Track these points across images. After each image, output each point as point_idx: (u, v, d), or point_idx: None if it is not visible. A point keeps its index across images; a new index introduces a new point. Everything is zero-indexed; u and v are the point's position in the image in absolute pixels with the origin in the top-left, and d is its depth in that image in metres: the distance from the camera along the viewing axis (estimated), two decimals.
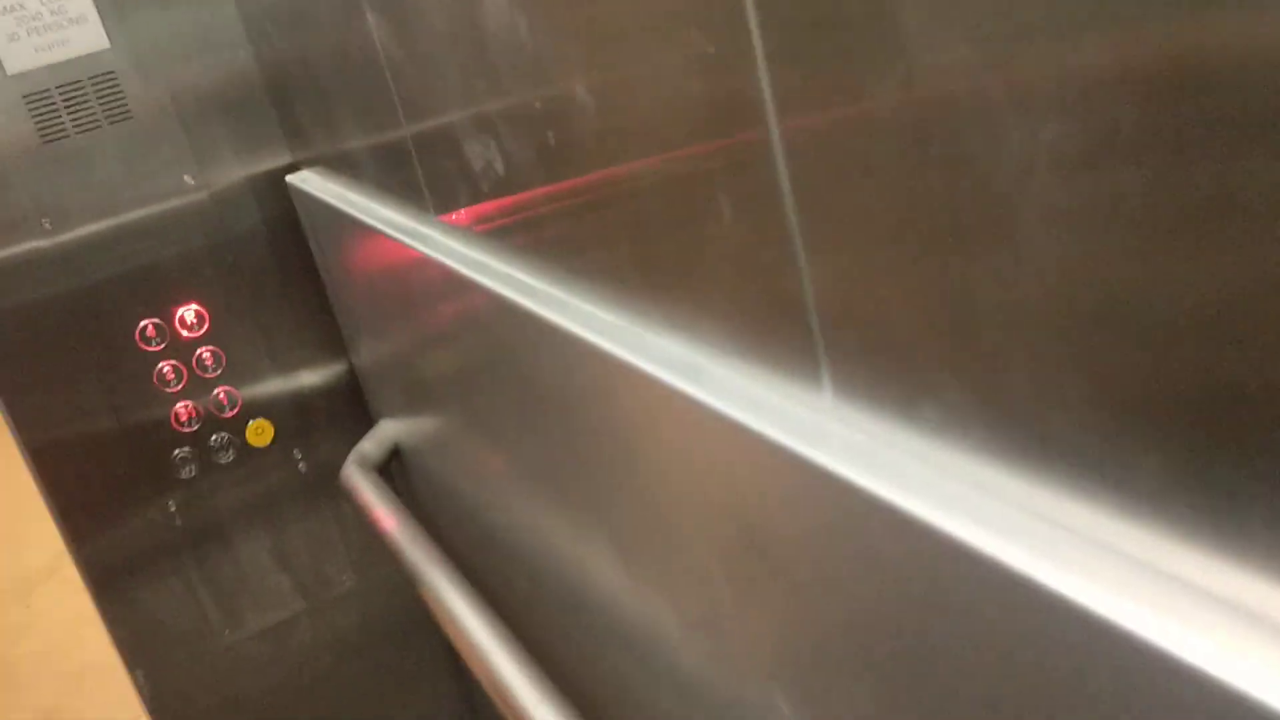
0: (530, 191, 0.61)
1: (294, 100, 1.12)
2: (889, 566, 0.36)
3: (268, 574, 1.30)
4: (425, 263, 0.80)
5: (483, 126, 0.64)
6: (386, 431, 1.19)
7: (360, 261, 1.03)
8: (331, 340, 1.28)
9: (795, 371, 0.42)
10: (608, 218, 0.53)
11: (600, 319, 0.57)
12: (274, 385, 1.26)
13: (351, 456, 1.14)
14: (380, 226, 0.90)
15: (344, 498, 1.28)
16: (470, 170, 0.68)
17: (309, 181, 1.13)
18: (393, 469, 1.17)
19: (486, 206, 0.69)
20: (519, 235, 0.66)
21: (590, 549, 0.69)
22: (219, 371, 1.23)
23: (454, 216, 0.76)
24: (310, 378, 1.29)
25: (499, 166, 0.64)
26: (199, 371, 1.22)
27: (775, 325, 0.42)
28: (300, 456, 1.29)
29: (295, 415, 1.28)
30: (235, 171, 1.20)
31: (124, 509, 1.21)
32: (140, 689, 1.26)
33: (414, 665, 1.44)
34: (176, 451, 1.22)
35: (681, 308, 0.49)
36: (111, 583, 1.22)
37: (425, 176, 0.78)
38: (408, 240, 0.83)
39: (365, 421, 1.32)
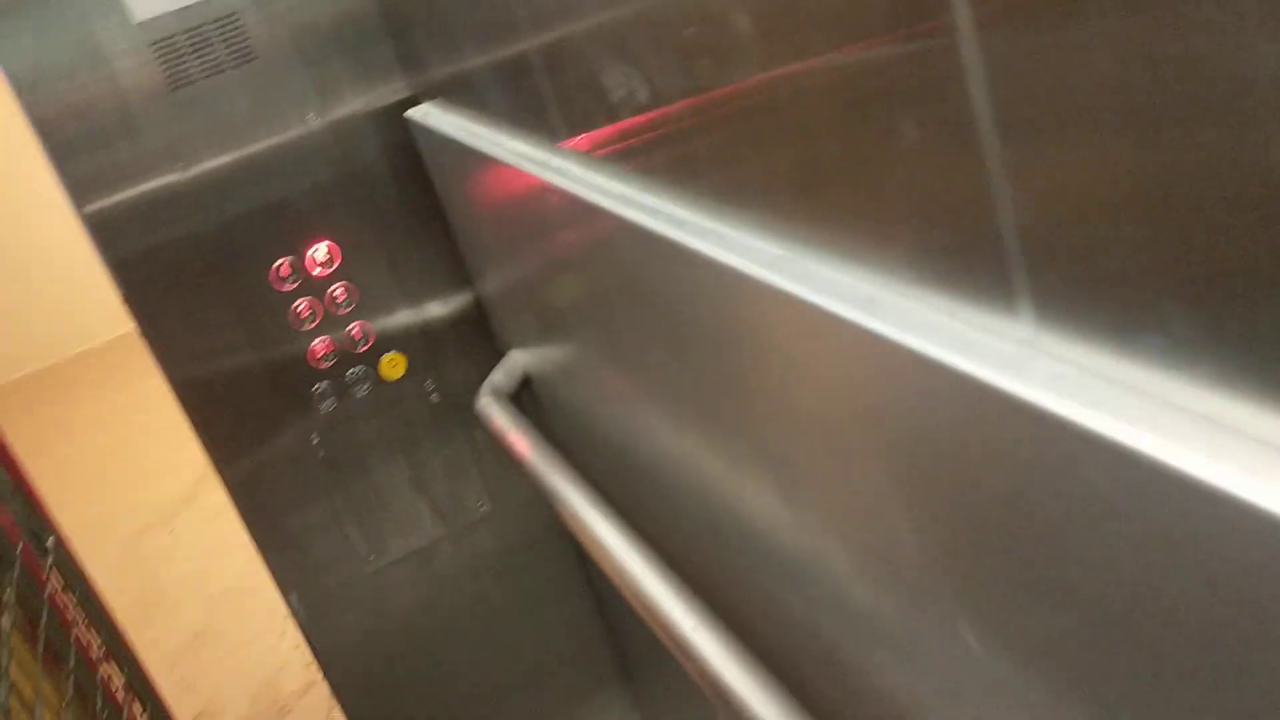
0: (674, 109, 0.60)
1: (412, 31, 1.12)
2: (1107, 503, 0.35)
3: (407, 502, 1.34)
4: (555, 191, 0.80)
5: (622, 40, 0.62)
6: (516, 361, 1.20)
7: (486, 193, 1.03)
8: (457, 273, 1.30)
9: (987, 299, 0.40)
10: (766, 136, 0.52)
11: (757, 248, 0.55)
12: (405, 319, 1.29)
13: (485, 388, 1.15)
14: (507, 156, 0.89)
15: (477, 426, 1.31)
16: (607, 91, 0.67)
17: (430, 115, 1.13)
18: (524, 398, 1.18)
19: (624, 127, 0.68)
20: (660, 159, 0.64)
21: (741, 479, 0.69)
22: (351, 307, 1.25)
23: (588, 142, 0.75)
24: (439, 310, 1.30)
25: (640, 84, 0.62)
26: (332, 308, 1.24)
27: (964, 248, 0.40)
28: (432, 388, 1.32)
29: (426, 347, 1.30)
30: (356, 107, 1.21)
31: (269, 441, 1.25)
32: (294, 611, 1.32)
33: (549, 585, 1.47)
34: (315, 386, 1.26)
35: (852, 233, 0.47)
36: (262, 512, 1.27)
37: (557, 101, 0.77)
38: (536, 169, 0.83)
39: (493, 352, 1.34)
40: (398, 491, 1.33)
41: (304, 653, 2.60)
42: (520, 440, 1.05)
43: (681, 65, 0.57)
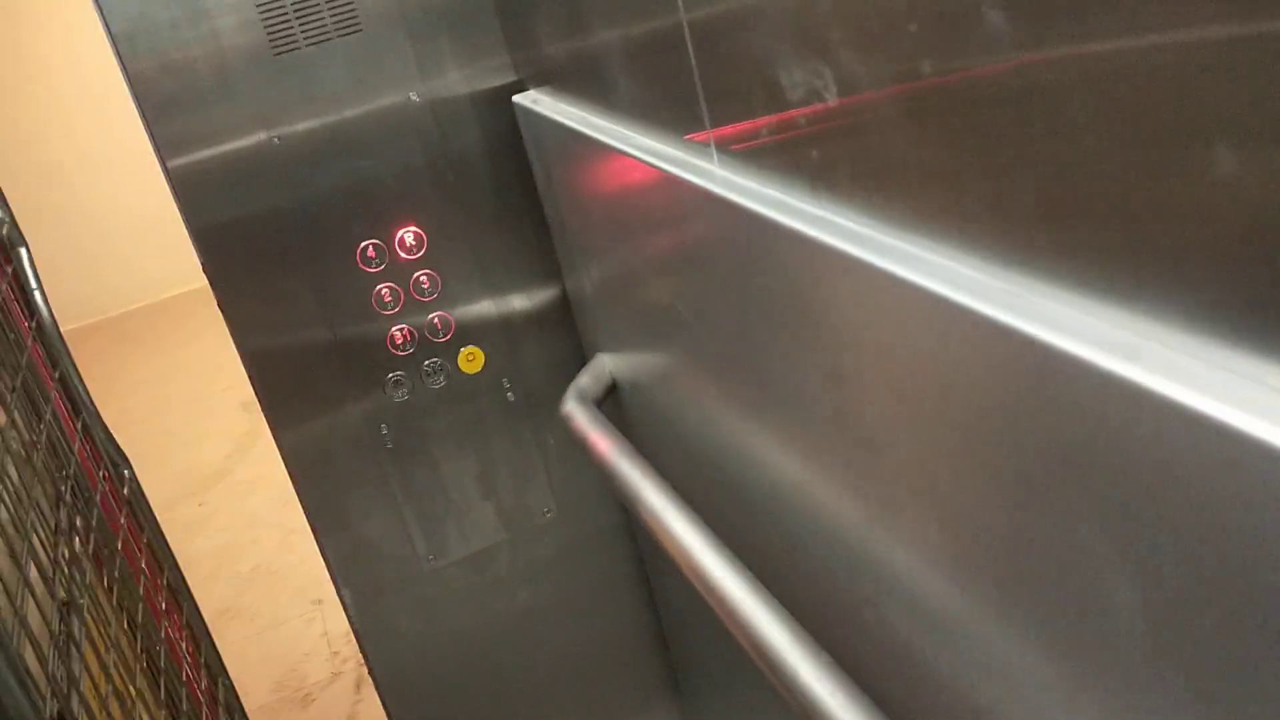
0: (839, 104, 0.54)
1: (523, 13, 1.07)
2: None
3: (473, 502, 1.29)
4: (678, 185, 0.75)
5: (783, 25, 0.57)
6: (604, 365, 1.15)
7: (594, 184, 0.98)
8: (547, 269, 1.25)
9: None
10: (935, 137, 0.46)
11: (911, 254, 0.50)
12: (487, 312, 1.24)
13: (571, 390, 1.10)
14: (625, 147, 0.84)
15: (550, 430, 1.26)
16: (771, 82, 0.62)
17: (540, 102, 1.08)
18: (608, 404, 1.13)
19: (770, 122, 0.63)
20: (809, 157, 0.59)
21: (848, 506, 0.64)
22: (435, 295, 1.21)
23: (723, 135, 0.70)
24: (523, 306, 1.26)
25: (805, 75, 0.57)
26: (415, 295, 1.20)
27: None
28: (509, 385, 1.27)
29: (506, 344, 1.26)
30: (459, 88, 1.16)
31: (337, 425, 1.21)
32: (347, 607, 1.27)
33: (607, 596, 1.42)
34: (391, 374, 1.21)
35: (1101, 260, 0.42)
36: (323, 498, 1.22)
37: (703, 92, 0.72)
38: (659, 162, 0.78)
39: (576, 355, 1.29)
40: (463, 490, 1.28)
41: (331, 642, 2.56)
42: (604, 444, 1.00)
43: (867, 55, 0.51)
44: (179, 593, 1.56)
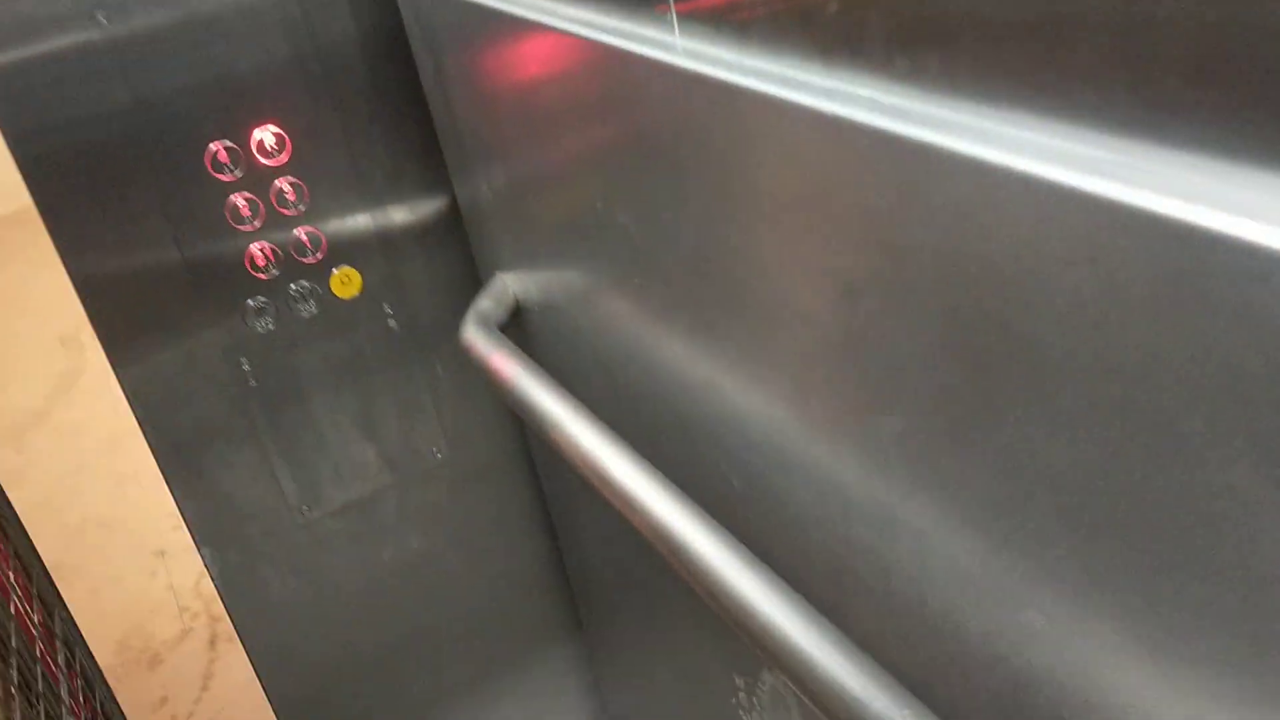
0: None
1: None
2: None
3: (351, 444, 1.15)
4: (625, 63, 0.63)
5: None
6: (507, 286, 1.02)
7: (497, 73, 0.84)
8: (434, 177, 1.10)
9: None
10: None
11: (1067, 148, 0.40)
12: (363, 227, 1.08)
13: (471, 315, 0.97)
14: (557, 22, 0.71)
15: (438, 361, 1.13)
16: None
17: None
18: (510, 332, 1.00)
19: None
20: (819, 12, 0.48)
21: (778, 408, 0.55)
22: (301, 209, 1.04)
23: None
24: (405, 220, 1.11)
25: None
26: (278, 207, 1.03)
27: None
28: (391, 311, 1.12)
29: (386, 264, 1.11)
30: None
31: (190, 361, 1.04)
32: (209, 567, 1.12)
33: (503, 537, 1.31)
34: (251, 300, 1.05)
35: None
36: (175, 446, 1.06)
37: None
38: (610, 39, 0.65)
39: (469, 276, 1.15)
40: (340, 432, 1.14)
41: (178, 595, 2.37)
42: (511, 370, 0.87)
43: None
44: (25, 559, 1.37)
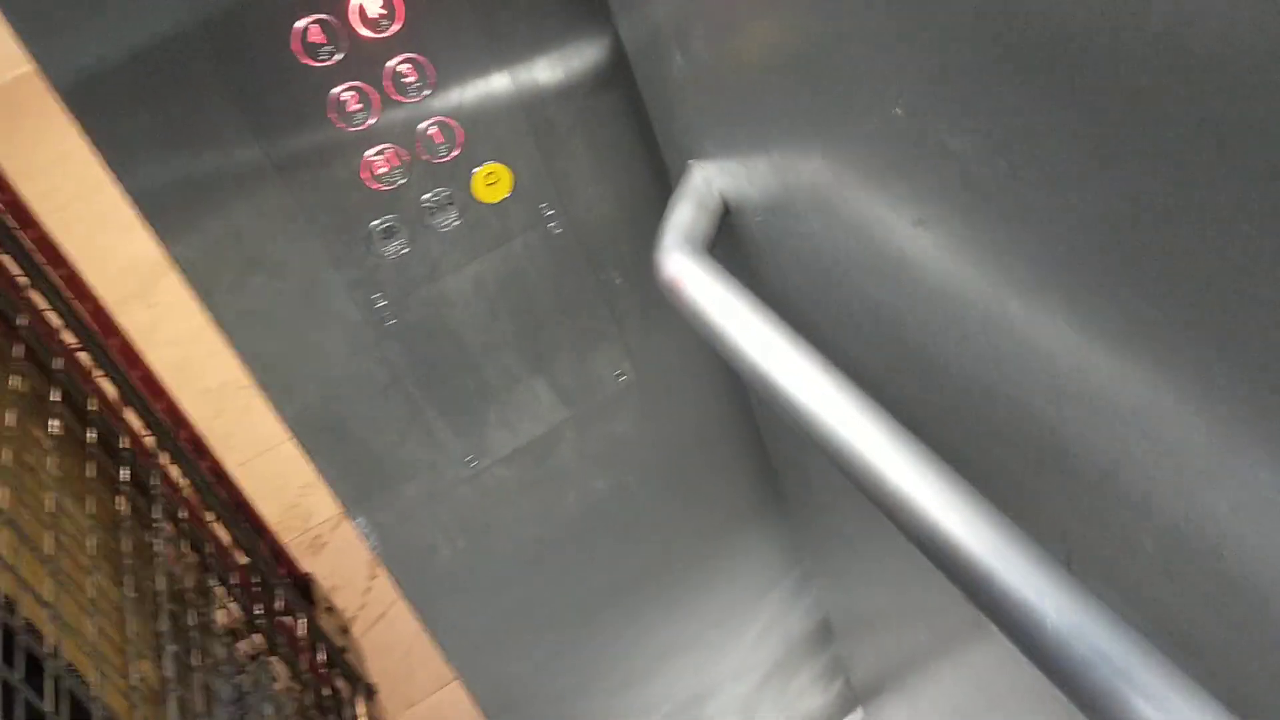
0: None
1: None
2: None
3: (518, 378, 0.93)
4: None
5: None
6: (710, 184, 0.76)
7: None
8: (596, 31, 0.83)
9: None
10: None
11: None
12: (508, 108, 0.83)
13: (669, 232, 0.72)
14: None
15: (614, 266, 0.89)
16: None
17: None
18: (719, 252, 0.75)
19: None
20: None
21: None
22: (425, 93, 0.79)
23: None
24: (562, 92, 0.85)
25: None
26: (395, 94, 0.78)
27: None
28: (551, 212, 0.88)
29: (541, 153, 0.86)
30: None
31: (309, 307, 0.83)
32: (365, 535, 0.94)
33: (717, 475, 1.10)
34: (376, 220, 0.82)
35: None
36: (307, 408, 0.87)
37: None
38: None
39: (652, 162, 0.89)
40: (503, 366, 0.92)
41: None
42: (750, 328, 0.63)
43: None
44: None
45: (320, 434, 0.88)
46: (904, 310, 0.58)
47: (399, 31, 0.76)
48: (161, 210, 0.75)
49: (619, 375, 0.98)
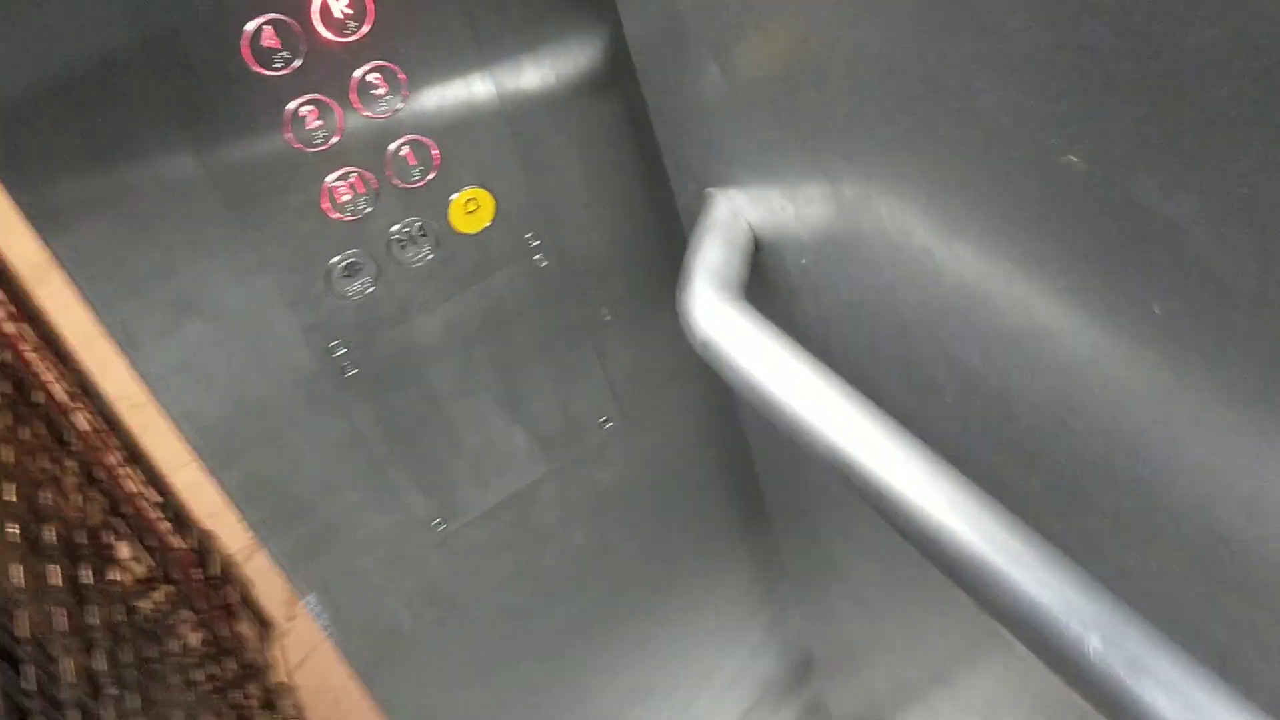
0: None
1: None
2: None
3: (494, 429, 0.83)
4: None
5: None
6: (737, 216, 0.67)
7: None
8: (597, 34, 0.73)
9: None
10: None
11: None
12: (491, 126, 0.72)
13: (699, 273, 0.62)
14: None
15: (602, 301, 0.79)
16: None
17: None
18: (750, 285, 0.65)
19: None
20: None
21: None
22: (397, 106, 0.68)
23: None
24: (553, 107, 0.74)
25: None
26: (362, 109, 0.67)
27: None
28: (537, 243, 0.77)
29: (528, 177, 0.75)
30: None
31: (257, 356, 0.71)
32: (315, 614, 0.83)
33: (708, 529, 1.01)
34: (336, 257, 0.70)
35: None
36: (251, 476, 0.74)
37: None
38: None
39: (652, 185, 0.79)
40: (478, 417, 0.81)
41: None
42: (804, 384, 0.54)
43: None
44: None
45: (267, 503, 0.76)
46: (1030, 393, 0.49)
47: (368, 35, 0.65)
48: (70, 241, 0.62)
49: (604, 421, 0.88)
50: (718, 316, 0.60)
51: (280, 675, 1.66)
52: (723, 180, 0.67)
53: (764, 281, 0.69)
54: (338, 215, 0.69)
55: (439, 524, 0.84)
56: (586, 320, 0.82)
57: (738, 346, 0.58)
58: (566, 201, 0.77)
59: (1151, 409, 0.42)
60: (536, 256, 0.78)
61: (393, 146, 0.69)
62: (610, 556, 0.96)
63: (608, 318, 0.83)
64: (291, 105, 0.64)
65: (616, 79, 0.75)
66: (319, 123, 0.66)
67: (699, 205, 0.71)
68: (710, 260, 0.63)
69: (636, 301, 0.84)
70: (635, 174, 0.79)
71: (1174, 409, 0.40)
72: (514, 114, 0.72)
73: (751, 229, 0.67)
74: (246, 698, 1.46)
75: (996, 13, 0.38)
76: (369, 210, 0.70)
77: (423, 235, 0.72)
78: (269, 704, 1.53)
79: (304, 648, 1.80)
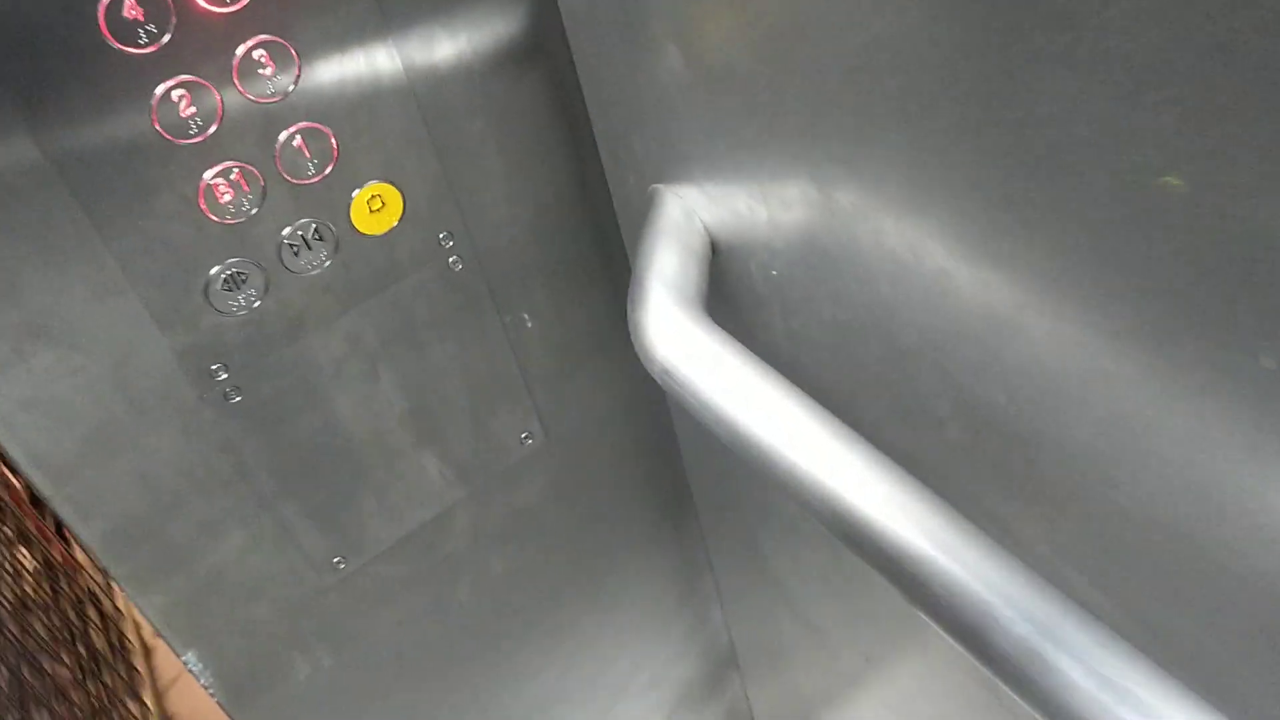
0: None
1: None
2: None
3: (400, 456, 0.74)
4: None
5: None
6: (690, 215, 0.59)
7: None
8: (522, 15, 0.64)
9: None
10: None
11: None
12: (397, 110, 0.63)
13: (653, 285, 0.54)
14: None
15: (523, 303, 0.72)
16: None
17: None
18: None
19: None
20: None
21: None
22: (289, 88, 0.58)
23: None
24: (468, 87, 0.65)
25: None
26: (246, 91, 0.57)
27: None
28: (452, 244, 0.68)
29: (441, 167, 0.66)
30: None
31: (120, 382, 0.60)
32: (197, 676, 0.72)
33: (642, 555, 0.94)
34: (216, 267, 0.60)
35: None
36: (118, 529, 0.64)
37: None
38: None
39: (589, 178, 0.71)
40: (382, 442, 0.72)
41: None
42: (788, 417, 0.47)
43: None
44: None
45: (136, 557, 0.65)
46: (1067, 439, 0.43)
47: (251, 4, 0.55)
48: None
49: (525, 438, 0.80)
50: (681, 338, 0.52)
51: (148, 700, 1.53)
52: (674, 176, 0.60)
53: (719, 292, 0.61)
54: (218, 218, 0.59)
55: (339, 563, 0.74)
56: (506, 328, 0.74)
57: (708, 375, 0.51)
58: (485, 196, 0.68)
59: (1238, 478, 0.36)
60: (451, 259, 0.69)
61: (283, 136, 0.59)
62: (528, 581, 0.88)
63: (530, 324, 0.75)
64: (160, 88, 0.54)
65: (545, 54, 0.66)
66: (193, 109, 0.55)
67: (641, 202, 0.63)
68: (665, 269, 0.56)
69: (561, 305, 0.76)
70: (563, 164, 0.70)
71: (1272, 480, 0.35)
72: (425, 96, 0.63)
73: (708, 232, 0.59)
74: None
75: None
76: (255, 211, 0.60)
77: (319, 239, 0.63)
78: None
79: (170, 672, 1.67)
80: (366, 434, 0.71)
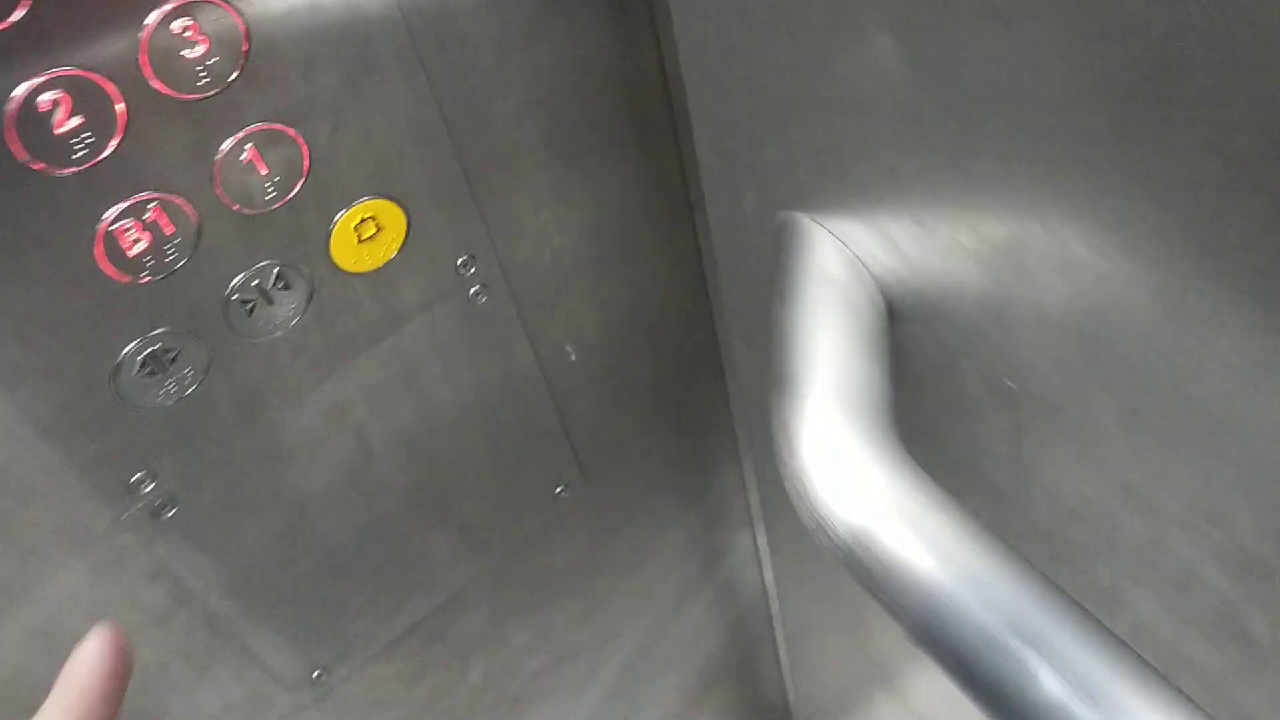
0: None
1: None
2: None
3: (399, 541, 0.55)
4: None
5: None
6: (853, 265, 0.40)
7: None
8: None
9: None
10: None
11: None
12: (407, 89, 0.42)
13: (826, 398, 0.36)
14: None
15: (572, 336, 0.53)
16: None
17: None
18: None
19: None
20: None
21: None
22: (229, 75, 0.37)
23: None
24: (515, 54, 0.44)
25: None
26: (162, 84, 0.36)
27: None
28: (474, 271, 0.49)
29: (466, 170, 0.45)
30: None
31: (5, 522, 0.41)
32: None
33: (705, 616, 0.77)
34: (129, 345, 0.40)
35: None
36: (26, 699, 0.45)
37: None
38: None
39: (664, 181, 0.51)
40: (375, 530, 0.54)
41: None
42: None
43: None
44: None
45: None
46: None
47: None
48: None
49: (560, 490, 0.62)
50: (879, 494, 0.34)
51: None
52: (824, 203, 0.40)
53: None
54: (127, 276, 0.38)
55: (319, 675, 0.57)
56: (543, 363, 0.55)
57: (931, 558, 0.33)
58: (520, 200, 0.48)
59: None
60: (473, 289, 0.49)
61: (226, 146, 0.38)
62: (550, 651, 0.71)
63: (573, 357, 0.56)
64: (20, 89, 0.33)
65: (618, 8, 0.45)
66: (77, 119, 0.34)
67: (755, 228, 0.44)
68: (838, 365, 0.37)
69: (615, 333, 0.57)
70: (629, 158, 0.50)
71: None
72: (437, 68, 0.42)
73: (881, 292, 0.40)
74: None
75: None
76: (184, 262, 0.39)
77: (283, 288, 0.43)
78: None
79: None
80: (355, 526, 0.52)
